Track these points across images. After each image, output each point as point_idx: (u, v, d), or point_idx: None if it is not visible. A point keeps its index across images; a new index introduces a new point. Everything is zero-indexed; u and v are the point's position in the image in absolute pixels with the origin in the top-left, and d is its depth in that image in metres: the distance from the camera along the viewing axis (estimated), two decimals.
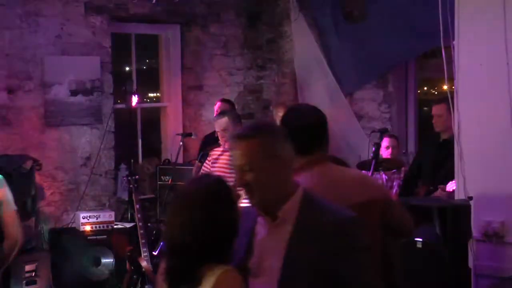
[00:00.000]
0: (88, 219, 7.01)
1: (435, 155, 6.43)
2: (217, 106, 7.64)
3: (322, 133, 3.32)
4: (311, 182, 3.18)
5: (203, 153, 6.74)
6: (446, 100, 6.15)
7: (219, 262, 2.55)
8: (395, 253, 3.54)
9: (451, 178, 5.67)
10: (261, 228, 2.79)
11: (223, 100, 7.74)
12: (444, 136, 6.39)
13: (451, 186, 5.75)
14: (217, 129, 6.46)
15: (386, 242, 3.41)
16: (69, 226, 7.32)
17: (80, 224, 7.00)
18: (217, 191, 2.62)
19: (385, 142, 7.07)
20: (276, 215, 2.72)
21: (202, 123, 8.41)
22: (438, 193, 6.02)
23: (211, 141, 7.33)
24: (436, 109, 6.40)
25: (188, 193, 2.66)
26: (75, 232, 7.07)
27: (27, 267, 6.51)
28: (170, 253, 2.61)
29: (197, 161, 7.37)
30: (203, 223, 2.54)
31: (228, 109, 7.45)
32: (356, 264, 2.62)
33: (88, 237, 6.94)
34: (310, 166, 3.21)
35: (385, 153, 7.06)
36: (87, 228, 6.99)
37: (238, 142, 2.74)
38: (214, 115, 7.41)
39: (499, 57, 5.13)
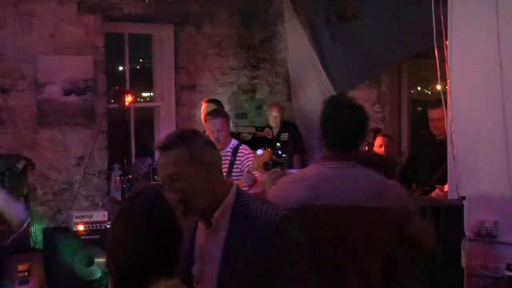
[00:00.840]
0: (81, 219, 7.00)
1: (430, 155, 6.43)
2: (204, 107, 7.58)
3: (361, 132, 3.35)
4: (328, 174, 3.24)
5: None
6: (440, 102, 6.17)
7: (164, 276, 2.42)
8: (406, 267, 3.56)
9: (447, 179, 5.67)
10: (201, 233, 2.80)
11: (210, 101, 7.70)
12: (440, 136, 6.39)
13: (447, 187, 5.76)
14: (211, 129, 6.42)
15: (399, 254, 3.43)
16: (62, 225, 7.31)
17: (73, 224, 7.00)
18: (153, 207, 2.42)
19: (378, 141, 7.07)
20: (210, 222, 2.73)
21: (195, 123, 8.40)
22: (435, 193, 6.03)
23: None
24: (436, 113, 6.37)
25: (125, 212, 2.49)
26: (68, 232, 7.06)
27: (20, 267, 6.50)
28: (115, 275, 2.45)
29: None
30: (142, 242, 2.39)
31: (219, 109, 7.46)
32: (289, 261, 2.64)
33: (81, 237, 6.93)
34: (337, 160, 3.27)
35: (378, 152, 7.06)
36: (80, 227, 6.98)
37: (164, 152, 2.71)
38: (202, 116, 7.41)
39: (492, 57, 5.13)
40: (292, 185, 3.33)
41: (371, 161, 3.74)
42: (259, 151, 5.97)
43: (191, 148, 2.69)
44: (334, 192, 3.19)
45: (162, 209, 2.43)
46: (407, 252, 3.61)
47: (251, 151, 6.37)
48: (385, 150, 7.17)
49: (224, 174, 6.29)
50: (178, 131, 3.03)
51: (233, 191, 2.75)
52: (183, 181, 2.67)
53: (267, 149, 6.03)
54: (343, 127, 3.29)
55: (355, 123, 3.32)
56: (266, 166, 6.24)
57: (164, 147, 2.72)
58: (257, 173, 5.92)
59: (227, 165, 6.32)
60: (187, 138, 2.74)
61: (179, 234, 2.46)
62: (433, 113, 6.43)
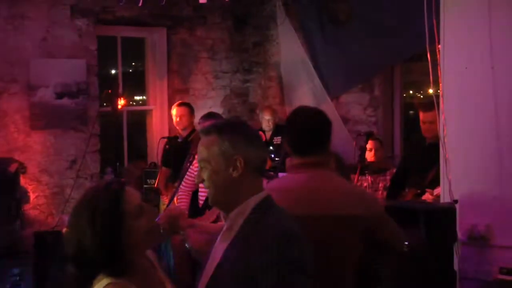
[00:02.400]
0: None
1: (422, 158, 6.44)
2: (175, 111, 7.55)
3: (323, 137, 3.36)
4: (299, 183, 3.21)
5: (188, 157, 6.72)
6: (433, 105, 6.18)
7: (110, 275, 2.43)
8: (382, 267, 3.55)
9: (439, 182, 5.68)
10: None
11: (182, 104, 7.65)
12: (431, 140, 6.40)
13: (439, 190, 5.76)
14: None
15: (373, 257, 3.43)
16: (54, 229, 7.28)
17: (65, 228, 6.96)
18: (102, 204, 2.45)
19: (369, 144, 7.08)
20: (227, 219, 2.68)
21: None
22: (426, 197, 6.04)
23: (171, 145, 7.38)
24: (429, 116, 6.38)
25: (78, 204, 2.52)
26: (60, 236, 7.03)
27: (12, 271, 6.48)
28: (69, 260, 2.48)
29: (162, 167, 7.45)
30: (88, 235, 2.42)
31: (188, 113, 7.46)
32: (274, 277, 2.45)
33: None
34: (306, 168, 3.27)
35: (368, 155, 7.06)
36: None
37: (202, 136, 2.70)
38: (175, 120, 7.43)
39: (484, 60, 5.15)
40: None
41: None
42: None
43: (223, 139, 2.61)
44: (305, 203, 3.17)
45: (111, 208, 2.44)
46: (381, 261, 3.62)
47: None
48: (375, 153, 7.17)
49: None
50: (224, 120, 2.93)
51: (258, 197, 2.63)
52: (207, 170, 2.63)
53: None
54: (307, 134, 3.32)
55: (315, 129, 3.35)
56: (267, 174, 6.27)
57: (203, 131, 2.69)
58: None
59: None
60: (225, 128, 2.65)
61: (122, 238, 2.43)
62: (425, 116, 6.43)
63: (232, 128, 2.67)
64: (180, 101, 7.76)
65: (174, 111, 7.52)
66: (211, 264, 2.68)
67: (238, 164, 2.59)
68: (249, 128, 2.76)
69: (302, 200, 3.18)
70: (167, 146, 7.61)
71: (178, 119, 7.45)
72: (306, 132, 3.33)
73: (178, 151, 7.16)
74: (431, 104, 6.53)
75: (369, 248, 3.37)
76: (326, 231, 3.16)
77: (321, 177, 3.29)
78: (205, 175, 2.65)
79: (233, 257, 2.55)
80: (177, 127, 7.52)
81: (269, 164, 6.03)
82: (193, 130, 7.44)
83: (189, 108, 7.57)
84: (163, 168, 7.51)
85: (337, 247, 3.19)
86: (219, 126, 2.66)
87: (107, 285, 2.41)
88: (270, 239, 2.48)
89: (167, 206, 6.50)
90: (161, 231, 2.96)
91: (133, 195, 2.54)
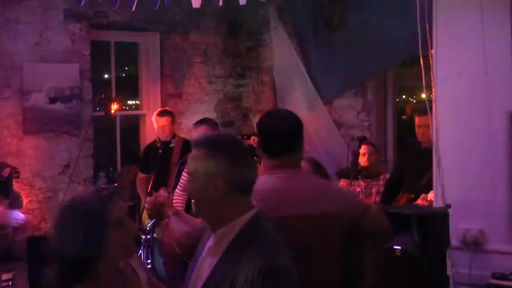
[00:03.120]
0: None
1: (416, 163, 6.45)
2: (158, 121, 7.53)
3: (294, 139, 3.34)
4: (273, 185, 3.22)
5: (182, 161, 6.73)
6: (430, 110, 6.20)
7: (84, 283, 2.50)
8: (366, 265, 3.56)
9: (433, 186, 5.69)
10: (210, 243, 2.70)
11: (164, 114, 7.55)
12: (426, 144, 6.42)
13: (432, 195, 5.78)
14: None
15: (360, 255, 3.43)
16: (47, 234, 7.25)
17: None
18: (88, 210, 2.52)
19: (362, 149, 7.08)
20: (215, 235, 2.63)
21: (181, 130, 8.39)
22: (419, 202, 6.05)
23: (151, 151, 7.36)
24: (424, 120, 6.40)
25: (65, 206, 2.61)
26: None
27: (4, 276, 6.46)
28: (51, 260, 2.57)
29: (139, 172, 7.43)
30: (69, 238, 2.51)
31: (171, 122, 7.44)
32: None
33: None
34: (277, 170, 3.26)
35: (361, 160, 7.08)
36: None
37: (192, 148, 2.66)
38: (157, 129, 7.41)
39: (476, 65, 5.17)
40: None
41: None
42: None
43: (210, 159, 2.54)
44: (282, 204, 3.16)
45: (93, 217, 2.49)
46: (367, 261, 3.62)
47: None
48: (368, 158, 7.18)
49: None
50: (216, 136, 2.83)
51: (245, 218, 2.55)
52: (192, 185, 2.61)
53: (261, 163, 6.05)
54: (282, 135, 3.31)
55: (291, 131, 3.33)
56: None
57: (194, 143, 2.66)
58: None
59: None
60: (213, 147, 2.58)
61: (102, 247, 2.47)
62: (421, 120, 6.45)
63: (219, 147, 2.59)
64: (160, 110, 7.69)
65: (156, 121, 7.48)
66: (198, 277, 2.65)
67: (219, 185, 2.52)
68: (239, 146, 2.65)
69: (282, 201, 3.16)
70: (146, 152, 7.58)
71: (161, 129, 7.43)
72: (284, 134, 3.32)
73: (159, 156, 7.16)
74: (425, 109, 6.56)
75: (355, 245, 3.39)
76: (310, 230, 3.15)
77: (298, 177, 3.30)
78: (191, 189, 2.63)
79: (220, 278, 2.49)
80: (159, 136, 7.48)
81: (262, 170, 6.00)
82: (174, 136, 7.47)
83: (172, 117, 7.54)
84: (141, 175, 7.46)
85: (322, 245, 3.19)
86: (207, 143, 2.61)
87: None
88: (256, 271, 2.38)
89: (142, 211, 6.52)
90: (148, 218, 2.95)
91: (117, 206, 2.55)
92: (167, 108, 7.90)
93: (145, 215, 6.64)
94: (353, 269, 3.40)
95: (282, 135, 3.31)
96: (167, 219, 3.18)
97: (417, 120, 6.54)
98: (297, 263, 3.08)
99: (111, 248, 2.50)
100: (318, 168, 4.95)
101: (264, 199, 3.16)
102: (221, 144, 2.60)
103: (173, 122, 7.55)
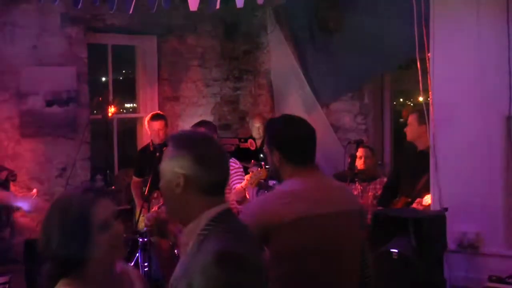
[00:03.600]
0: None
1: (412, 167, 6.47)
2: (152, 125, 7.48)
3: (314, 144, 3.40)
4: (307, 186, 3.27)
5: None
6: (417, 111, 6.24)
7: (70, 278, 2.54)
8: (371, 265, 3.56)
9: (429, 190, 5.70)
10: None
11: (158, 118, 7.40)
12: (420, 147, 6.44)
13: (428, 199, 5.79)
14: None
15: (366, 255, 3.45)
16: None
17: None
18: (73, 210, 2.53)
19: (359, 152, 7.09)
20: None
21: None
22: (415, 206, 6.06)
23: (145, 155, 7.34)
24: (408, 118, 6.48)
25: (53, 204, 2.62)
26: None
27: (1, 279, 6.45)
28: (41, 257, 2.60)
29: (134, 176, 7.42)
30: (55, 236, 2.53)
31: (164, 125, 7.38)
32: None
33: None
34: (310, 173, 3.32)
35: (358, 163, 7.08)
36: None
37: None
38: (151, 134, 7.37)
39: (473, 69, 5.18)
40: (282, 200, 3.26)
41: None
42: (254, 168, 6.04)
43: (175, 155, 2.52)
44: (323, 201, 3.24)
45: (74, 214, 2.52)
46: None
47: (240, 165, 6.40)
48: (364, 161, 7.18)
49: None
50: (187, 133, 2.72)
51: (209, 213, 2.49)
52: (161, 181, 2.58)
53: (262, 167, 6.08)
54: (308, 142, 3.36)
55: (311, 135, 3.38)
56: (260, 184, 6.32)
57: (167, 140, 2.65)
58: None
59: None
60: (180, 143, 2.55)
61: (87, 244, 2.51)
62: (408, 118, 6.51)
63: (187, 144, 2.54)
64: (153, 114, 7.62)
65: (150, 125, 7.40)
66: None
67: (180, 182, 2.49)
68: (206, 145, 2.56)
69: (319, 199, 3.24)
70: (140, 156, 7.54)
71: (155, 132, 7.38)
72: (308, 141, 3.36)
73: (155, 160, 7.15)
74: (413, 109, 6.61)
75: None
76: (342, 225, 3.25)
77: (323, 178, 3.41)
78: (160, 185, 2.60)
79: (181, 274, 2.46)
80: (154, 139, 7.42)
81: (264, 174, 6.01)
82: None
83: (165, 121, 7.48)
84: (135, 179, 7.42)
85: (351, 241, 3.29)
86: (174, 141, 2.58)
87: (60, 284, 2.55)
88: (210, 258, 2.34)
89: (139, 215, 6.52)
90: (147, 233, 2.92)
91: (104, 208, 2.57)
92: (159, 112, 7.87)
93: (142, 218, 6.64)
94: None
95: (307, 144, 3.36)
96: (173, 238, 3.03)
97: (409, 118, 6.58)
98: (335, 258, 3.21)
99: (97, 250, 2.52)
100: None
101: (305, 198, 3.24)
102: (187, 143, 2.56)
103: (166, 125, 7.52)
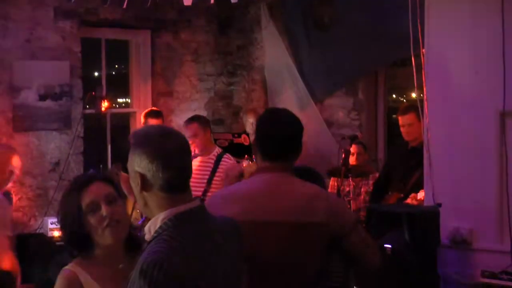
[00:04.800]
0: (56, 225, 6.94)
1: (404, 163, 6.48)
2: (149, 122, 7.48)
3: (289, 144, 3.29)
4: (260, 188, 3.21)
5: None
6: (414, 108, 6.23)
7: (79, 257, 2.83)
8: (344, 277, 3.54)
9: (421, 186, 5.71)
10: None
11: (154, 115, 7.48)
12: (412, 143, 6.45)
13: (422, 194, 5.80)
14: (186, 135, 6.43)
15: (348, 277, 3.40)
16: (37, 232, 7.25)
17: (48, 230, 6.94)
18: (67, 193, 2.83)
19: (351, 148, 7.09)
20: None
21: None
22: (409, 201, 6.07)
23: None
24: (406, 119, 6.46)
25: (70, 190, 2.85)
26: (43, 238, 7.00)
27: None
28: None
29: (122, 173, 7.38)
30: (60, 218, 2.83)
31: (162, 123, 7.42)
32: None
33: (57, 243, 6.87)
34: (267, 172, 3.24)
35: (350, 159, 7.08)
36: (55, 234, 6.92)
37: None
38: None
39: (467, 65, 5.18)
40: (225, 201, 3.23)
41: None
42: (245, 162, 6.02)
43: (135, 152, 2.49)
44: (266, 208, 3.13)
45: (71, 190, 2.82)
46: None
47: (234, 161, 6.39)
48: (356, 158, 7.19)
49: (205, 181, 6.32)
50: (145, 130, 2.66)
51: (159, 219, 2.43)
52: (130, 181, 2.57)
53: (253, 160, 6.07)
54: (279, 140, 3.26)
55: (290, 136, 3.29)
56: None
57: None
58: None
59: (208, 173, 6.32)
60: (139, 140, 2.51)
61: (81, 223, 2.74)
62: (403, 119, 6.51)
63: (142, 142, 2.49)
64: (151, 111, 7.63)
65: (147, 122, 7.40)
66: None
67: (137, 180, 2.47)
68: (167, 141, 2.49)
69: (261, 205, 3.14)
70: None
71: None
72: (282, 140, 3.27)
73: None
74: (408, 107, 6.62)
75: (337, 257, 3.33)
76: (284, 237, 3.11)
77: (286, 183, 3.24)
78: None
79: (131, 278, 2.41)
80: None
81: (255, 167, 6.02)
82: None
83: (162, 118, 7.51)
84: (125, 175, 7.39)
85: (296, 254, 3.12)
86: (133, 138, 2.54)
87: (63, 269, 2.82)
88: (138, 270, 2.29)
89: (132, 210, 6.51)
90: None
91: (94, 190, 2.75)
92: (156, 108, 7.86)
93: (135, 214, 6.62)
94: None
95: (278, 140, 3.26)
96: None
97: (400, 119, 6.58)
98: (270, 269, 3.10)
99: (92, 230, 2.74)
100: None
101: (250, 199, 3.17)
102: (143, 140, 2.50)
103: (163, 122, 7.55)
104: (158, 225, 2.42)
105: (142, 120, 7.57)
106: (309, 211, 3.13)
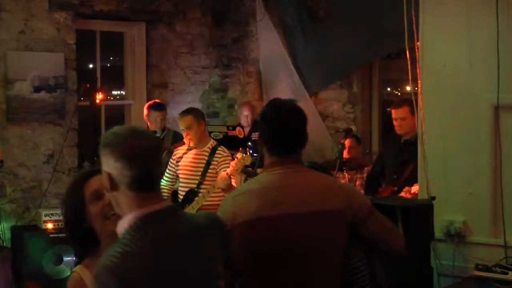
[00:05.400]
0: (50, 217, 6.94)
1: (398, 156, 6.48)
2: (154, 114, 7.59)
3: (297, 137, 3.28)
4: (272, 183, 3.18)
5: (167, 152, 6.72)
6: (407, 102, 6.24)
7: (88, 256, 2.73)
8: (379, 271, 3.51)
9: (415, 179, 5.72)
10: None
11: (158, 108, 7.60)
12: (405, 137, 6.45)
13: (416, 188, 5.80)
14: (181, 127, 6.45)
15: (372, 262, 3.38)
16: (31, 223, 7.24)
17: (42, 222, 6.94)
18: (71, 187, 2.81)
19: (347, 141, 7.09)
20: None
21: (166, 121, 8.37)
22: (403, 194, 6.07)
23: None
24: (399, 113, 6.47)
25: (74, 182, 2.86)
26: (37, 230, 7.00)
27: None
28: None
29: None
30: (63, 212, 2.80)
31: (165, 115, 7.61)
32: None
33: (50, 235, 6.86)
34: (276, 167, 3.21)
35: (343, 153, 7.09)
36: (49, 225, 6.92)
37: None
38: (152, 122, 7.42)
39: (462, 58, 5.19)
40: (242, 198, 3.21)
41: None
42: (239, 155, 6.01)
43: (103, 152, 2.47)
44: (281, 202, 3.11)
45: (74, 187, 2.79)
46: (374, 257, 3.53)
47: (229, 154, 6.39)
48: (349, 151, 7.19)
49: (199, 173, 6.32)
50: (115, 130, 2.57)
51: (126, 221, 2.42)
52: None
53: (246, 153, 6.07)
54: (289, 133, 3.24)
55: (298, 129, 3.28)
56: (246, 170, 6.30)
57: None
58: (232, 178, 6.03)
59: (202, 165, 6.32)
60: (106, 140, 2.48)
61: (82, 218, 2.71)
62: (396, 113, 6.51)
63: (109, 141, 2.47)
64: (153, 102, 7.69)
65: (150, 114, 7.51)
66: None
67: (107, 181, 2.46)
68: (136, 140, 2.46)
69: (281, 199, 3.12)
70: None
71: (156, 120, 7.47)
72: (291, 132, 3.25)
73: None
74: (401, 101, 6.63)
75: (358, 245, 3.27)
76: (304, 227, 3.09)
77: (297, 174, 3.22)
78: None
79: None
80: (151, 127, 7.48)
81: (248, 160, 6.04)
82: (165, 128, 7.55)
83: (165, 111, 7.64)
84: None
85: (320, 244, 3.11)
86: (104, 137, 2.52)
87: (71, 271, 2.76)
88: (94, 275, 2.33)
89: None
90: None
91: (96, 180, 2.71)
92: (158, 100, 7.89)
93: None
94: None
95: (285, 134, 3.24)
96: None
97: (393, 113, 6.59)
98: (296, 262, 3.09)
99: (94, 220, 2.69)
100: None
101: (262, 197, 3.14)
102: (109, 140, 2.48)
103: (166, 114, 7.65)
104: (124, 227, 2.41)
105: (145, 112, 7.58)
106: (326, 199, 3.13)
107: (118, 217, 2.54)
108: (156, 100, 7.89)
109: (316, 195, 3.15)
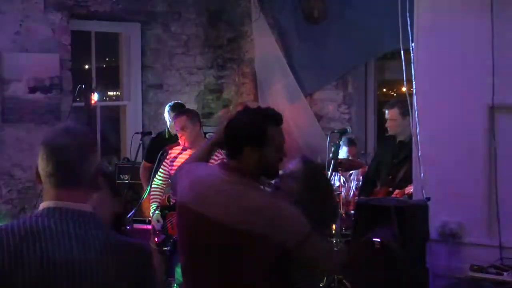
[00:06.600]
0: None
1: (393, 157, 6.50)
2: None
3: (237, 145, 3.27)
4: (205, 178, 3.29)
5: (162, 152, 6.70)
6: (398, 104, 6.28)
7: None
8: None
9: (410, 180, 5.73)
10: None
11: (174, 108, 7.42)
12: (400, 138, 6.47)
13: (410, 189, 5.82)
14: (175, 128, 6.45)
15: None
16: None
17: None
18: None
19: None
20: None
21: (161, 122, 8.37)
22: (395, 195, 6.09)
23: (159, 141, 7.25)
24: (389, 114, 6.51)
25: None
26: None
27: None
28: None
29: (143, 161, 7.35)
30: None
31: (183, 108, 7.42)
32: None
33: None
34: (221, 166, 3.32)
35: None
36: None
37: None
38: (170, 122, 7.36)
39: (457, 59, 5.20)
40: (185, 179, 3.35)
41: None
42: None
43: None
44: (207, 201, 3.16)
45: None
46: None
47: (224, 155, 6.37)
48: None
49: None
50: (55, 128, 2.60)
51: (39, 209, 2.43)
52: None
53: None
54: (227, 134, 3.31)
55: (234, 136, 3.29)
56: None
57: None
58: None
59: None
60: (42, 138, 2.53)
61: None
62: (387, 113, 6.55)
63: (46, 135, 2.52)
64: (177, 107, 7.48)
65: (174, 120, 7.30)
66: None
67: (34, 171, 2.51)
68: (59, 137, 2.48)
69: (204, 196, 3.20)
70: (154, 142, 7.44)
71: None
72: (228, 134, 3.32)
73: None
74: (392, 103, 6.65)
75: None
76: (213, 236, 3.14)
77: (236, 183, 3.21)
78: None
79: None
80: (171, 129, 7.27)
81: None
82: None
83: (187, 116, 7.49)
84: (146, 163, 7.32)
85: (232, 261, 3.16)
86: (46, 135, 2.55)
87: None
88: None
89: (141, 199, 6.50)
90: None
91: None
92: (181, 103, 7.69)
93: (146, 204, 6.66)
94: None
95: (229, 136, 3.29)
96: None
97: (385, 113, 6.61)
98: (192, 266, 3.24)
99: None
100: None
101: (193, 186, 3.27)
102: (44, 137, 2.52)
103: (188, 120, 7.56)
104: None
105: (166, 112, 7.39)
106: (254, 221, 3.09)
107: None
108: (180, 103, 7.68)
109: (239, 211, 3.12)
